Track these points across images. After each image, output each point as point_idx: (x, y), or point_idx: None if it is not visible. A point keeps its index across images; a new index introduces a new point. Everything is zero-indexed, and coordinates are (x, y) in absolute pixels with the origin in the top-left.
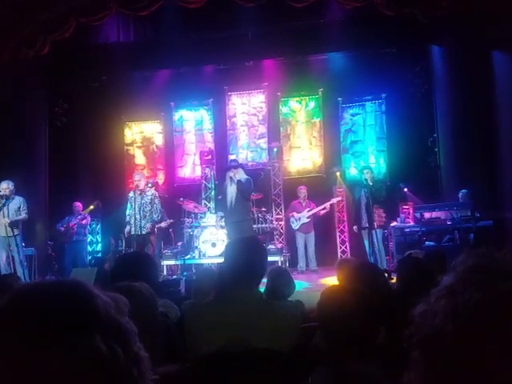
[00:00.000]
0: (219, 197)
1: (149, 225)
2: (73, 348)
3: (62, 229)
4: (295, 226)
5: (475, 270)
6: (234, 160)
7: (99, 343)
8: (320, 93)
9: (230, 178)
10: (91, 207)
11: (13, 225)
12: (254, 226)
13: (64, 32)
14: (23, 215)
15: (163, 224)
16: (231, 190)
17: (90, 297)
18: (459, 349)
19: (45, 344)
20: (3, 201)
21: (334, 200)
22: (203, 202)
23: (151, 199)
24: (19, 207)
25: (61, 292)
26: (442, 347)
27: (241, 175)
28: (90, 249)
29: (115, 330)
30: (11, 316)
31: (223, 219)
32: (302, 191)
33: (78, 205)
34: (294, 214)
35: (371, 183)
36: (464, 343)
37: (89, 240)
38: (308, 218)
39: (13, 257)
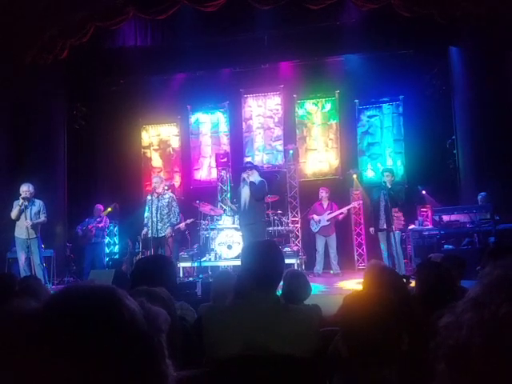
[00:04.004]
0: (234, 200)
1: (169, 229)
2: (84, 361)
3: (80, 231)
4: (315, 228)
5: (501, 282)
6: (249, 162)
7: (114, 358)
8: (336, 95)
9: (243, 179)
10: (109, 209)
11: (33, 227)
12: (270, 228)
13: (82, 36)
14: (43, 218)
15: (182, 225)
16: (244, 193)
17: (115, 309)
18: (485, 361)
19: (58, 353)
20: (25, 203)
21: (355, 203)
22: (219, 204)
23: (168, 202)
24: (39, 211)
25: (87, 302)
26: (468, 360)
27: (255, 177)
28: (107, 250)
29: (140, 345)
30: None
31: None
32: (321, 192)
33: (100, 207)
34: (314, 216)
35: (390, 186)
36: (490, 356)
37: (106, 242)
38: (328, 220)
39: (32, 259)
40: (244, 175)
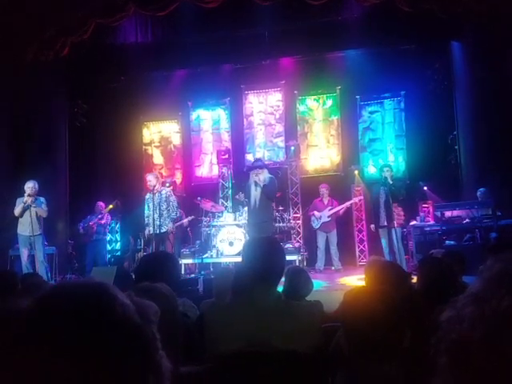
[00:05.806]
0: (236, 196)
1: (170, 224)
2: (77, 359)
3: (81, 229)
4: (316, 225)
5: (502, 276)
6: (259, 159)
7: (108, 354)
8: (338, 90)
9: (255, 182)
10: (110, 206)
11: (38, 221)
12: None
13: (83, 33)
14: (45, 209)
15: (185, 221)
16: (255, 193)
17: (107, 305)
18: (486, 355)
19: (49, 352)
20: (30, 200)
21: (356, 199)
22: (220, 201)
23: (166, 197)
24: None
25: (77, 299)
26: (469, 354)
27: (264, 175)
28: (109, 247)
29: (134, 338)
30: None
31: (245, 218)
32: (322, 189)
33: (101, 205)
34: (315, 212)
35: (391, 181)
36: (491, 350)
37: (108, 239)
38: (329, 216)
39: (34, 255)
40: (255, 178)
